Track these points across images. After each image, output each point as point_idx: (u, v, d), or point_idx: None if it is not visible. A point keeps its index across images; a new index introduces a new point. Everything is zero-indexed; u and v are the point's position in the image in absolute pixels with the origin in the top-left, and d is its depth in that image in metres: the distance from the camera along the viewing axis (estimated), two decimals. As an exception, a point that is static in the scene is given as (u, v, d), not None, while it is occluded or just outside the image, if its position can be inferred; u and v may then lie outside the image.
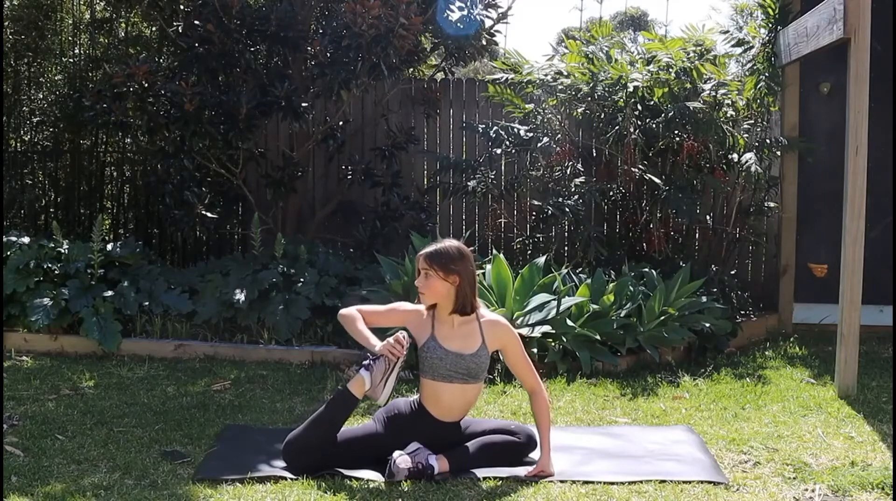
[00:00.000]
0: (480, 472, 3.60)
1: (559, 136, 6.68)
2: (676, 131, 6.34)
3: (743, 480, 3.57)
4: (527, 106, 6.73)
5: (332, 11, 7.01)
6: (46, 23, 8.20)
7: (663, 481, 3.52)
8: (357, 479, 3.53)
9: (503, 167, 7.20)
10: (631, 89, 6.22)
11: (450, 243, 3.73)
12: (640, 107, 6.44)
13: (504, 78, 6.79)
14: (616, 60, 6.37)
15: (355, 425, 3.94)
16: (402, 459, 3.51)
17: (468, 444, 3.70)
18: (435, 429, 3.71)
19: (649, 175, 6.22)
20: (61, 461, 3.71)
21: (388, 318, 3.87)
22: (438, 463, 3.55)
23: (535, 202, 6.60)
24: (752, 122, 6.65)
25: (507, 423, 3.90)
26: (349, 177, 7.19)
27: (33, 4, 8.02)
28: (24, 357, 5.51)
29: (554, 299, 5.40)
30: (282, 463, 3.66)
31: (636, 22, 20.97)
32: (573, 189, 6.38)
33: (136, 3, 7.43)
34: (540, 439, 3.71)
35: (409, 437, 3.66)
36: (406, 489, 3.45)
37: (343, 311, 3.88)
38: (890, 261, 6.41)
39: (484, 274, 5.77)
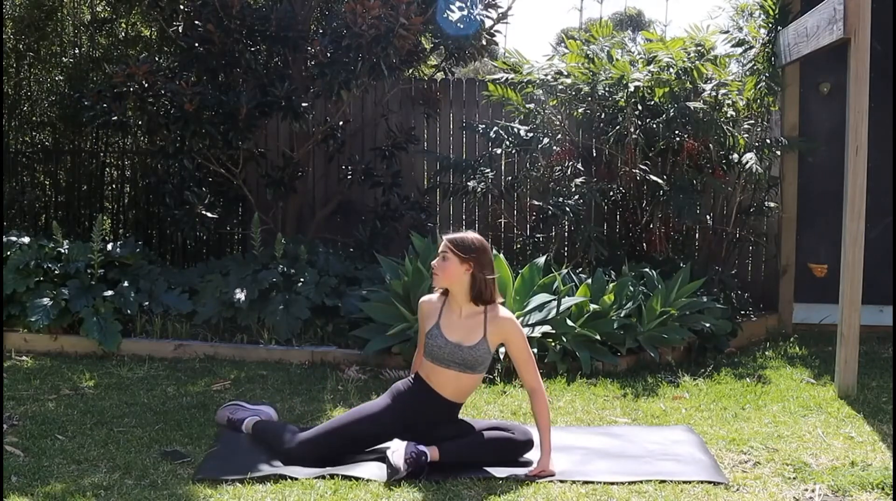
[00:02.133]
0: (479, 472, 3.60)
1: (559, 136, 6.68)
2: (677, 131, 6.34)
3: (743, 480, 3.57)
4: (527, 106, 6.73)
5: (333, 11, 7.01)
6: (48, 23, 8.20)
7: (663, 481, 3.52)
8: (357, 478, 3.53)
9: (503, 167, 7.20)
10: (632, 89, 6.22)
11: (472, 234, 3.86)
12: (640, 107, 6.44)
13: (504, 78, 6.79)
14: (617, 60, 6.37)
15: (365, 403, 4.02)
16: (396, 453, 3.54)
17: (464, 439, 3.73)
18: (431, 400, 3.78)
19: (651, 176, 6.22)
20: (61, 461, 3.71)
21: (421, 339, 3.96)
22: (430, 452, 3.60)
23: (536, 202, 6.60)
24: (753, 122, 6.65)
25: (505, 423, 3.91)
26: (349, 177, 7.20)
27: (35, 5, 8.02)
28: (24, 357, 5.51)
29: (554, 300, 5.39)
30: (283, 463, 3.68)
31: (633, 22, 20.98)
32: (573, 189, 6.38)
33: (136, 4, 7.43)
34: (540, 438, 3.72)
35: (409, 409, 3.77)
36: (406, 488, 3.45)
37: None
38: (890, 261, 6.41)
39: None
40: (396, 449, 3.56)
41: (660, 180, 6.21)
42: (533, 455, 3.74)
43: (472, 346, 3.75)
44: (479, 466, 3.65)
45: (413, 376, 3.90)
